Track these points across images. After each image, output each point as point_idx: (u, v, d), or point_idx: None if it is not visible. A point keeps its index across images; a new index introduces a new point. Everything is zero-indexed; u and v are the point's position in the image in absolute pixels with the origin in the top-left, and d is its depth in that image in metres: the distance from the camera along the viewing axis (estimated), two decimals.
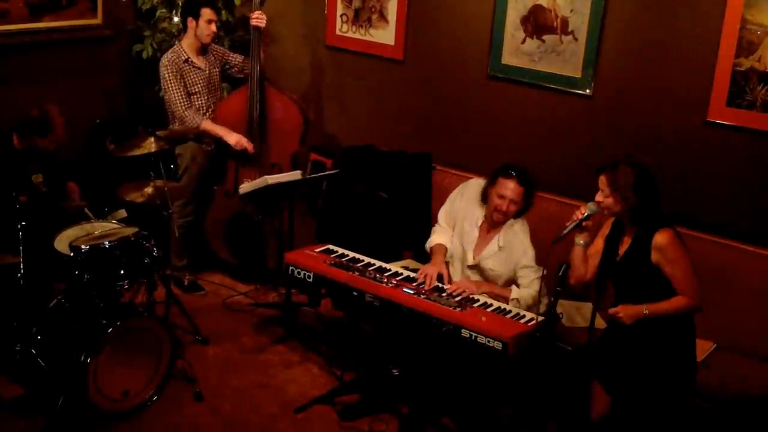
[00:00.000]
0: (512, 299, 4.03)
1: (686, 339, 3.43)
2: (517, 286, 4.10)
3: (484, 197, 4.16)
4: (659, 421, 3.41)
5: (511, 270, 4.12)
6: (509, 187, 4.02)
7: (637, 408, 3.42)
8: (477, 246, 4.19)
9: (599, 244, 3.54)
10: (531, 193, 4.08)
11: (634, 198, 3.30)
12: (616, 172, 3.33)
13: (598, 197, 3.39)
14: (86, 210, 4.46)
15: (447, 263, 4.26)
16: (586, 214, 3.42)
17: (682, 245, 3.32)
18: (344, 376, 4.32)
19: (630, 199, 3.31)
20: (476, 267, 4.18)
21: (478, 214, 4.22)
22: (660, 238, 3.28)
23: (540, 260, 4.04)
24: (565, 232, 3.43)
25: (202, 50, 5.15)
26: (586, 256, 3.52)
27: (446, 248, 4.27)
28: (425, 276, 4.12)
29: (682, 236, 3.37)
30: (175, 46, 5.11)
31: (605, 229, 3.56)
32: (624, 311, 3.35)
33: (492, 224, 4.16)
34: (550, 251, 3.45)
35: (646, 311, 3.31)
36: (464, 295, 3.98)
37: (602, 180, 3.37)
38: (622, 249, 3.42)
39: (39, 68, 5.36)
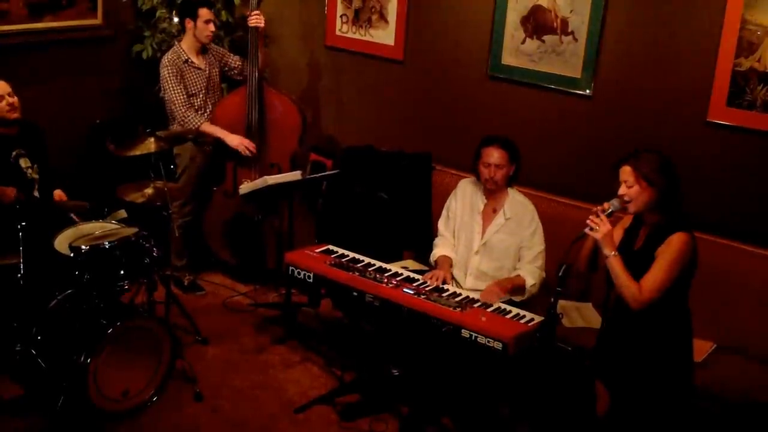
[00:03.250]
0: (530, 285, 4.09)
1: (682, 338, 3.42)
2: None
3: (477, 174, 4.23)
4: (657, 420, 3.41)
5: (521, 238, 4.16)
6: (492, 154, 4.14)
7: (634, 405, 3.42)
8: (483, 229, 4.22)
9: (619, 235, 3.51)
10: (515, 156, 4.18)
11: (662, 180, 3.27)
12: (640, 158, 3.30)
13: (622, 190, 3.33)
14: (73, 215, 4.45)
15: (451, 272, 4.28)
16: (609, 210, 3.37)
17: (685, 253, 3.27)
18: (344, 376, 4.32)
19: (657, 182, 3.27)
20: (485, 246, 4.20)
21: (476, 201, 4.25)
22: (676, 237, 3.25)
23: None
24: (586, 230, 3.37)
25: (202, 50, 5.14)
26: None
27: (450, 259, 4.29)
28: (432, 277, 4.14)
29: (696, 244, 3.30)
30: (174, 47, 5.10)
31: (626, 221, 3.53)
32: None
33: (492, 202, 4.21)
34: (570, 250, 3.39)
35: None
36: (493, 301, 3.97)
37: (625, 170, 3.32)
38: (638, 243, 3.41)
39: (39, 68, 5.35)
